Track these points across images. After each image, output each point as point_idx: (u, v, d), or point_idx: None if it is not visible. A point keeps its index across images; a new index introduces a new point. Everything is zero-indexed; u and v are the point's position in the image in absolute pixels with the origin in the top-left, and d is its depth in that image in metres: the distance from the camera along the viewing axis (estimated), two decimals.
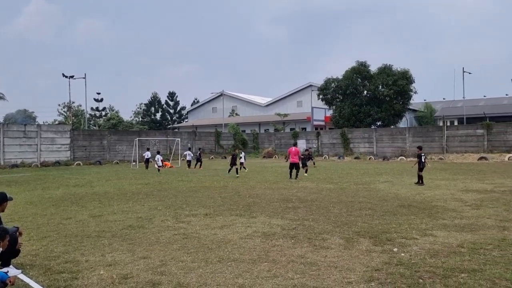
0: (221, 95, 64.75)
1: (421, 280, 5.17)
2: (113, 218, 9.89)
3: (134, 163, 32.69)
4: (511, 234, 7.57)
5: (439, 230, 7.98)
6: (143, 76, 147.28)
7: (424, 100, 62.27)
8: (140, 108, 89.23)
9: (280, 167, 28.14)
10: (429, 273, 5.46)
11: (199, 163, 29.13)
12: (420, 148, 17.92)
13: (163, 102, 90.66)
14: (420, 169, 16.34)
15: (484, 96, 64.16)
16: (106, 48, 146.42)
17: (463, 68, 45.02)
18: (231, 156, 22.10)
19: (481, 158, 32.46)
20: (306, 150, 23.99)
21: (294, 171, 19.39)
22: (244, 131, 54.33)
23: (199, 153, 30.77)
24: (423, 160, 16.48)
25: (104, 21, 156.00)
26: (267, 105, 66.20)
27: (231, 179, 19.50)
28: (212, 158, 43.41)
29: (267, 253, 6.62)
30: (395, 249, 6.65)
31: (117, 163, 37.25)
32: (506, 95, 57.32)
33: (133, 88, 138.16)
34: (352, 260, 6.12)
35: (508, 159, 31.30)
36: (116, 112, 73.38)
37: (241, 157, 25.52)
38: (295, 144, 22.22)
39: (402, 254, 6.36)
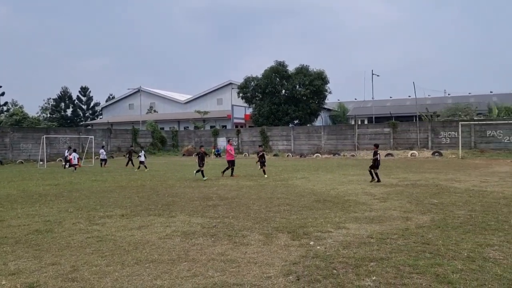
0: (138, 91, 62.62)
1: (335, 271, 5.44)
2: (16, 222, 9.06)
3: (41, 162, 30.38)
4: (413, 224, 8.27)
5: (351, 223, 8.46)
6: (51, 69, 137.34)
7: (338, 100, 65.80)
8: (49, 104, 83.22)
9: None
10: (342, 263, 5.76)
11: (130, 162, 27.77)
12: (376, 146, 17.00)
13: (74, 97, 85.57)
14: (375, 166, 16.01)
15: (390, 97, 69.44)
16: (7, 37, 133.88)
17: (372, 70, 48.53)
18: (197, 156, 19.28)
19: (387, 154, 35.11)
20: (260, 146, 21.21)
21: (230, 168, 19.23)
22: (162, 128, 53.11)
23: (129, 151, 29.28)
24: (378, 158, 16.15)
25: (3, 8, 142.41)
26: (187, 102, 65.37)
27: (149, 178, 18.92)
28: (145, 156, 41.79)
29: (187, 252, 6.51)
30: (311, 243, 6.91)
31: (22, 162, 34.33)
32: (409, 96, 62.53)
33: (39, 81, 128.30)
34: (271, 255, 6.24)
35: (411, 155, 34.23)
36: (20, 107, 67.42)
37: (140, 156, 24.97)
38: (229, 141, 21.75)
39: (318, 247, 6.63)
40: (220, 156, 41.71)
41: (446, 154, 33.25)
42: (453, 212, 9.41)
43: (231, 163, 19.39)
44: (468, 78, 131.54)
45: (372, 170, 16.12)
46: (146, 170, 23.88)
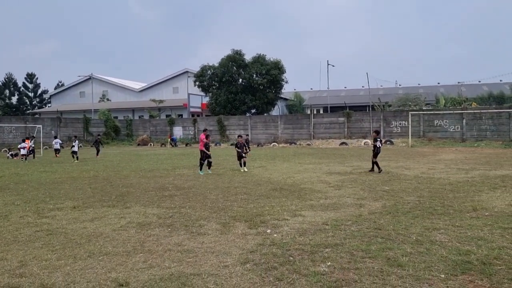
0: (89, 78, 60.25)
1: (291, 258, 5.52)
2: None
3: None
4: (366, 210, 8.55)
5: (307, 210, 8.62)
6: None
7: (294, 89, 66.50)
8: None
9: (155, 155, 27.45)
10: (298, 250, 5.86)
11: (97, 152, 26.46)
12: (377, 132, 15.95)
13: (20, 84, 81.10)
14: (375, 154, 15.18)
15: (345, 87, 71.09)
16: None
17: (327, 61, 49.28)
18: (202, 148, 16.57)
19: (342, 143, 36.03)
20: (240, 136, 18.28)
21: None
22: (116, 117, 51.53)
23: (96, 140, 27.80)
24: (378, 146, 15.22)
25: None
26: (142, 91, 63.77)
27: (102, 169, 18.35)
28: (81, 146, 40.33)
29: (143, 243, 6.39)
30: (268, 231, 6.98)
31: None
32: (362, 87, 64.26)
33: None
34: (228, 244, 6.25)
35: (364, 144, 35.30)
36: None
37: (73, 146, 23.94)
38: (204, 131, 19.87)
39: (275, 235, 6.70)
40: (176, 145, 41.13)
41: (397, 143, 34.57)
42: (403, 198, 9.81)
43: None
44: (417, 69, 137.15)
45: (375, 159, 15.18)
46: (74, 161, 22.68)
